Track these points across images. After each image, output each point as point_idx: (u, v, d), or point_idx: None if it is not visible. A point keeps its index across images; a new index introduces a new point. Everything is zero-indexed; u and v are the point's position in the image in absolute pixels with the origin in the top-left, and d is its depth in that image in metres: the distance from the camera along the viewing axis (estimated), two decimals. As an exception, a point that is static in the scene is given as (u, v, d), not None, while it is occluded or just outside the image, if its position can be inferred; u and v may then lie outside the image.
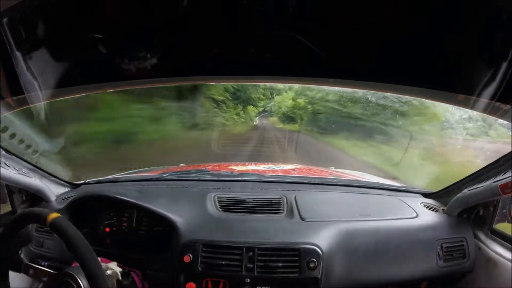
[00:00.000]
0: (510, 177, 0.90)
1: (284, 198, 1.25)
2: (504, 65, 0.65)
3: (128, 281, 1.00)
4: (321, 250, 1.00)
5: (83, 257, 0.73)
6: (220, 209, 1.18)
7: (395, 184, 1.58)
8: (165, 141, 4.61)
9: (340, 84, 0.95)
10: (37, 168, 1.24)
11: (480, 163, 1.15)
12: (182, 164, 1.90)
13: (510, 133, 0.97)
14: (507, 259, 1.00)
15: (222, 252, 1.00)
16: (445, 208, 1.23)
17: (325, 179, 1.57)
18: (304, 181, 1.46)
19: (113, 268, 0.93)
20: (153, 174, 1.61)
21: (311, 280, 0.98)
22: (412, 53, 0.73)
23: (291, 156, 3.24)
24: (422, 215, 1.20)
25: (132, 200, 1.14)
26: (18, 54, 0.73)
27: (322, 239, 1.03)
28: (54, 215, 0.76)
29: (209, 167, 1.69)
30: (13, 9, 0.63)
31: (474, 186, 1.08)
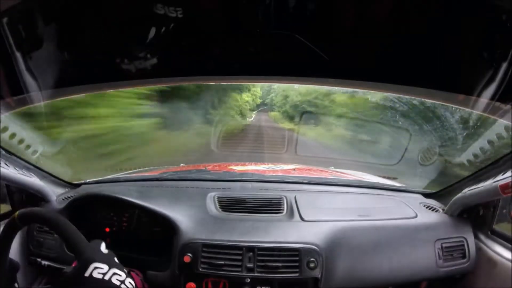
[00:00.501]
0: (510, 177, 0.90)
1: (284, 198, 1.25)
2: (504, 65, 0.65)
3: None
4: (321, 250, 1.00)
5: (59, 228, 0.73)
6: (220, 209, 1.18)
7: (395, 184, 1.58)
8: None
9: (340, 84, 0.95)
10: (37, 168, 1.24)
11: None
12: (182, 164, 1.90)
13: (510, 133, 0.97)
14: (507, 259, 1.00)
15: (222, 252, 1.00)
16: (445, 208, 1.23)
17: (325, 179, 1.57)
18: (304, 181, 1.46)
19: None
20: (153, 174, 1.61)
21: (311, 280, 0.98)
22: (412, 53, 0.73)
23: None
24: (422, 215, 1.20)
25: (132, 200, 1.14)
26: (18, 54, 0.73)
27: (322, 239, 1.03)
28: (18, 212, 0.75)
29: (209, 167, 1.69)
30: (13, 9, 0.63)
31: (474, 186, 1.08)
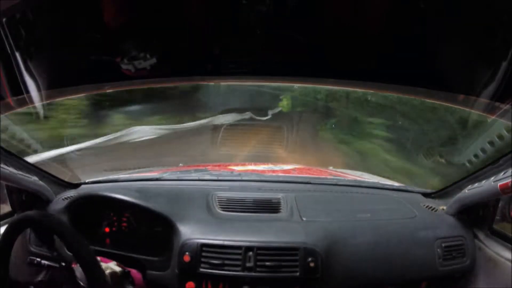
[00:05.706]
0: (510, 177, 0.90)
1: (284, 198, 1.25)
2: (504, 65, 0.65)
3: (128, 281, 1.00)
4: (320, 249, 1.00)
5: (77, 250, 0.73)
6: (220, 209, 1.18)
7: (395, 184, 1.58)
8: None
9: (340, 84, 0.95)
10: (37, 168, 1.24)
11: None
12: (181, 164, 1.90)
13: (510, 133, 0.97)
14: (507, 259, 1.00)
15: (222, 251, 1.00)
16: (444, 207, 1.23)
17: (325, 179, 1.57)
18: (304, 181, 1.46)
19: (113, 268, 0.93)
20: (153, 174, 1.61)
21: (311, 280, 0.98)
22: (412, 53, 0.73)
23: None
24: (421, 214, 1.20)
25: (132, 200, 1.14)
26: (18, 54, 0.73)
27: (322, 239, 1.03)
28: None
29: (209, 167, 1.69)
30: (13, 9, 0.64)
31: (474, 186, 1.08)
